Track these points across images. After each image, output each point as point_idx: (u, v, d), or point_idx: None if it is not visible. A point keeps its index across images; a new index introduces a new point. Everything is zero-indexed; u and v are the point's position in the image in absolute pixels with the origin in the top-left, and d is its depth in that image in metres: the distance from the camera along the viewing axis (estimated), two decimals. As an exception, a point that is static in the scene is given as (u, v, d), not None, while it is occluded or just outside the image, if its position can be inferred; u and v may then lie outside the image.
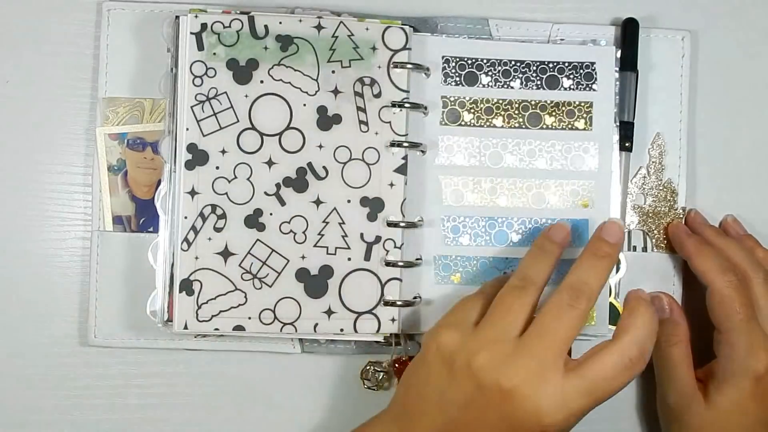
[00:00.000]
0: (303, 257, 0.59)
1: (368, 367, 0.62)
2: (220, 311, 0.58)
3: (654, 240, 0.63)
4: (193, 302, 0.58)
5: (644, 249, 0.63)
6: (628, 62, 0.62)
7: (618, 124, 0.62)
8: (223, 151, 0.58)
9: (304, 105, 0.59)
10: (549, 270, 0.55)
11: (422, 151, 0.61)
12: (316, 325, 0.59)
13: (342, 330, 0.59)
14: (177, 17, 0.59)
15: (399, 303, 0.59)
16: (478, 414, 0.50)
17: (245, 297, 0.58)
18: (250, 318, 0.58)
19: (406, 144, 0.60)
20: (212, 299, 0.58)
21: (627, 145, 0.62)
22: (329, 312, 0.59)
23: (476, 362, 0.50)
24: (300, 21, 0.59)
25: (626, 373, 0.51)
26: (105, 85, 0.61)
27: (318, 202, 0.59)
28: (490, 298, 0.54)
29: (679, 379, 0.59)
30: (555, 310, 0.51)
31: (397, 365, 0.62)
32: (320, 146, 0.59)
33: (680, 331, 0.60)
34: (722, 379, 0.57)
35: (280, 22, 0.59)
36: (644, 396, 0.64)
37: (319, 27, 0.59)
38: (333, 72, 0.59)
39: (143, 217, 0.61)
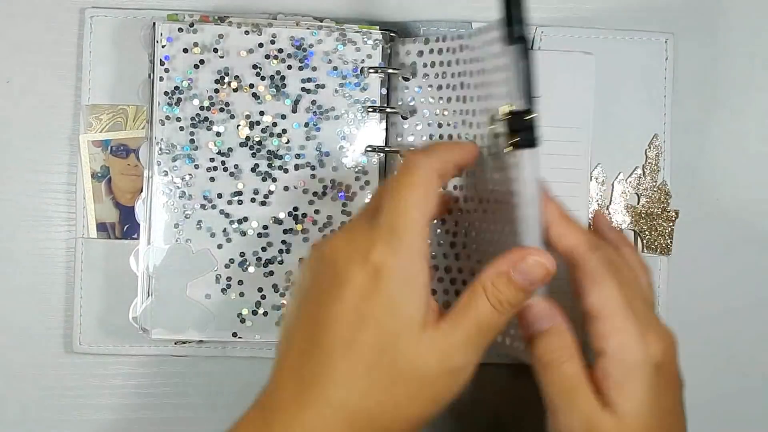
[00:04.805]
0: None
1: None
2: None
3: (645, 241, 0.63)
4: (169, 309, 0.58)
5: (634, 250, 0.63)
6: (510, 34, 0.46)
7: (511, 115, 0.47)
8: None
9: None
10: None
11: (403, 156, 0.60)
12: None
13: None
14: (154, 24, 0.59)
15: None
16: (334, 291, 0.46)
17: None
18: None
19: (386, 149, 0.59)
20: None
21: (529, 138, 0.46)
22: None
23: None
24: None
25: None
26: (88, 92, 0.61)
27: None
28: None
29: (580, 399, 0.47)
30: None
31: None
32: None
33: (568, 343, 0.48)
34: (620, 380, 0.47)
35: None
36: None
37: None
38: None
39: (127, 224, 0.61)
